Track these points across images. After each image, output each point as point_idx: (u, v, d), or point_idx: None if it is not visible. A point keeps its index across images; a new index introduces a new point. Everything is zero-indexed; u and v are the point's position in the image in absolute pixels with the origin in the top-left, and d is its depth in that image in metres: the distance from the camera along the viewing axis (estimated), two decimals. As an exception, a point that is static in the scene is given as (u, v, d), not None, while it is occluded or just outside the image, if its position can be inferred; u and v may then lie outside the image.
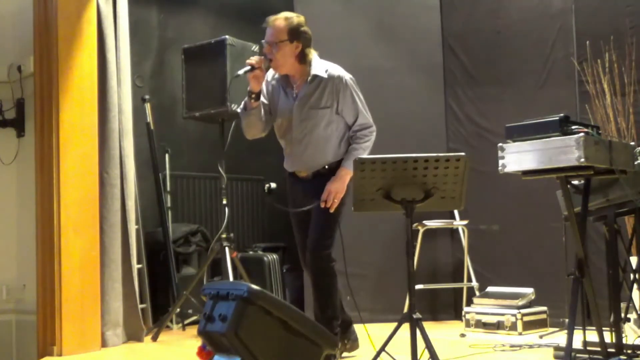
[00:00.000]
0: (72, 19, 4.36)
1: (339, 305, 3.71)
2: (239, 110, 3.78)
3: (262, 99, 3.68)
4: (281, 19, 3.57)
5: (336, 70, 3.63)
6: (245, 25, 6.22)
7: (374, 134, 3.69)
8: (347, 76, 3.63)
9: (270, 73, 3.72)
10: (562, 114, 3.04)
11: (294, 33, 3.54)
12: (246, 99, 3.62)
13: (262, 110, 3.66)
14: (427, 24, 5.54)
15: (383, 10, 5.54)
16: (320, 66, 3.62)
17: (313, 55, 3.63)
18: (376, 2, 5.57)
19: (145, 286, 4.96)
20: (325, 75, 3.59)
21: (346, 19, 5.48)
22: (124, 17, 4.67)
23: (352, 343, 3.93)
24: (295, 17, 3.61)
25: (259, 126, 3.70)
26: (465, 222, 5.19)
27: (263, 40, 3.61)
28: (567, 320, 3.40)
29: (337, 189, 3.58)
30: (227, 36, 4.62)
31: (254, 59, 3.51)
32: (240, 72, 3.54)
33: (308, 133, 3.64)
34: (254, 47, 4.78)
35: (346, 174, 3.58)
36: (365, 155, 3.51)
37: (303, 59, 3.58)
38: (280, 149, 6.54)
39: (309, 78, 3.59)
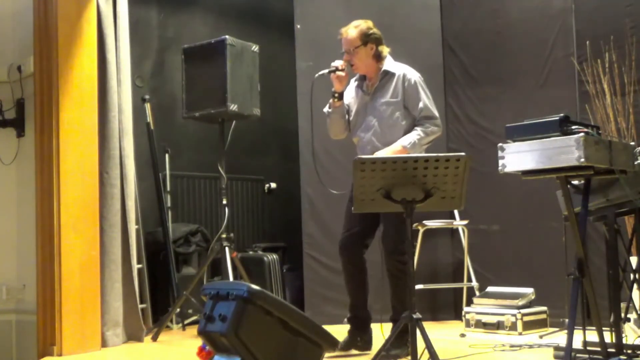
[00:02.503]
0: (72, 19, 4.35)
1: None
2: (325, 110, 4.08)
3: (344, 100, 4.05)
4: (352, 28, 3.97)
5: (406, 68, 4.00)
6: (245, 25, 6.24)
7: (439, 127, 3.94)
8: (416, 74, 3.98)
9: (353, 78, 4.13)
10: (562, 114, 3.04)
11: (365, 37, 3.95)
12: (330, 100, 3.99)
13: (345, 110, 4.05)
14: (427, 24, 5.54)
15: (383, 10, 5.53)
16: (392, 64, 4.00)
17: (387, 52, 4.01)
18: (376, 2, 5.56)
19: (145, 286, 4.96)
20: (395, 71, 3.95)
21: (346, 19, 5.45)
22: (124, 17, 4.67)
23: (365, 341, 4.00)
24: (363, 23, 4.01)
25: (341, 125, 4.05)
26: (465, 222, 5.19)
27: (342, 51, 3.99)
28: (567, 320, 3.40)
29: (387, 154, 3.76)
30: (227, 36, 4.61)
31: (338, 62, 3.91)
32: (325, 71, 3.92)
33: (376, 121, 3.93)
34: (253, 47, 4.78)
35: (399, 147, 3.80)
36: (418, 141, 3.82)
37: (379, 57, 3.98)
38: (280, 149, 6.53)
39: (381, 73, 3.97)
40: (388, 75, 3.96)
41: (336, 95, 3.96)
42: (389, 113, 3.91)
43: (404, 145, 3.80)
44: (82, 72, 4.38)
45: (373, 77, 4.01)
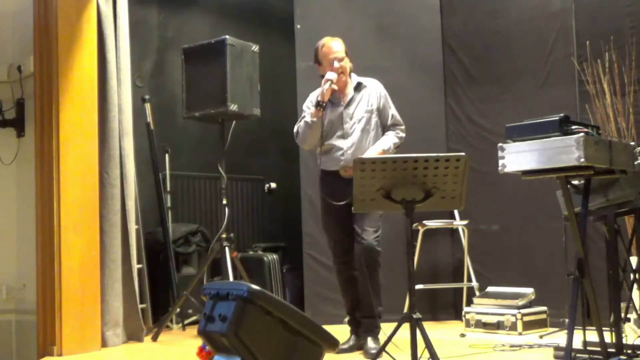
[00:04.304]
0: (72, 19, 4.36)
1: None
2: (308, 120, 4.07)
3: None
4: (338, 41, 4.15)
5: (374, 80, 4.23)
6: (245, 25, 6.24)
7: (403, 131, 4.18)
8: (382, 86, 4.22)
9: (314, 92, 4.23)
10: (562, 114, 3.04)
11: (346, 51, 4.16)
12: (313, 110, 4.04)
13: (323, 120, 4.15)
14: (427, 24, 5.54)
15: (383, 10, 5.54)
16: (360, 78, 4.21)
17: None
18: (376, 2, 5.56)
19: (145, 286, 4.96)
20: (366, 83, 4.18)
21: (346, 19, 5.48)
22: (124, 17, 4.67)
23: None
24: (339, 39, 4.19)
25: (319, 133, 4.06)
26: (465, 222, 5.19)
27: (332, 56, 4.10)
28: (567, 320, 3.40)
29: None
30: (227, 36, 4.62)
31: (332, 76, 4.01)
32: (326, 86, 3.97)
33: (356, 128, 4.10)
34: (253, 47, 4.78)
35: (380, 150, 4.02)
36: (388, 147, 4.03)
37: (350, 71, 4.21)
38: (280, 149, 6.53)
39: (354, 85, 4.16)
40: (361, 86, 4.17)
41: (323, 104, 4.04)
42: (367, 120, 4.11)
43: (384, 148, 4.03)
44: (82, 72, 4.39)
45: (344, 89, 4.15)
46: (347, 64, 4.12)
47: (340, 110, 4.13)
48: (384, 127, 4.16)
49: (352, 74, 4.21)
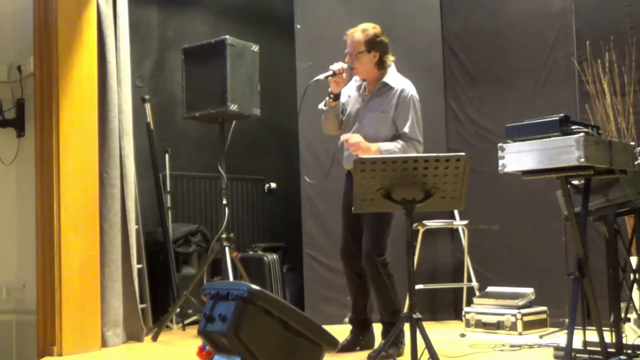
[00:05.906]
0: (72, 19, 4.35)
1: (398, 300, 3.95)
2: (320, 107, 4.05)
3: (341, 99, 4.02)
4: (359, 32, 3.89)
5: (406, 83, 3.93)
6: (245, 25, 6.24)
7: (417, 149, 3.83)
8: (412, 92, 3.90)
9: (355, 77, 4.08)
10: (562, 114, 3.05)
11: (371, 44, 3.87)
12: (327, 98, 3.96)
13: (340, 109, 4.03)
14: (427, 24, 5.54)
15: (383, 10, 5.53)
16: (393, 77, 3.94)
17: (391, 62, 3.96)
18: (376, 2, 5.56)
19: (145, 286, 4.96)
20: (394, 86, 3.90)
21: (346, 19, 5.47)
22: (124, 17, 4.67)
23: (367, 340, 4.10)
24: (372, 29, 3.92)
25: (335, 123, 4.03)
26: (465, 222, 5.19)
27: (345, 51, 3.93)
28: (567, 320, 3.40)
29: (360, 142, 3.77)
30: (227, 36, 4.61)
31: (336, 66, 3.84)
32: (322, 76, 3.86)
33: (365, 131, 3.89)
34: (253, 47, 4.78)
35: (374, 147, 3.78)
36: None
37: (382, 65, 3.93)
38: (280, 149, 6.55)
39: (380, 84, 3.92)
40: (386, 87, 3.92)
41: (332, 95, 3.94)
42: (377, 125, 3.89)
43: (381, 149, 3.78)
44: (82, 72, 4.38)
45: (372, 84, 3.98)
46: (368, 59, 3.87)
47: (360, 105, 3.99)
48: (396, 135, 3.85)
49: (390, 70, 3.95)
